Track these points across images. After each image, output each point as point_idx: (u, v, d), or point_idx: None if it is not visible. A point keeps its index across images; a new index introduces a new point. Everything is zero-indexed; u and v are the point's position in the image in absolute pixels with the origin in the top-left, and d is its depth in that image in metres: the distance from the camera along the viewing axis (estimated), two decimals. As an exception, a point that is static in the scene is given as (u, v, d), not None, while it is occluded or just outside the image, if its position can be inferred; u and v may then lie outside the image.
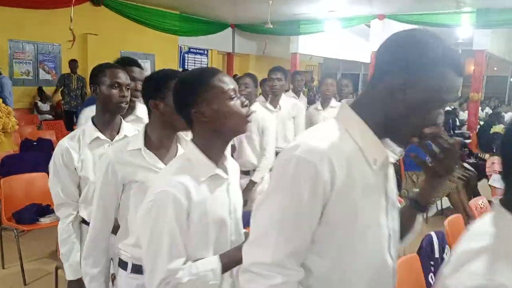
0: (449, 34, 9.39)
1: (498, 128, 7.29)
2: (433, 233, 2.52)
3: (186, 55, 10.72)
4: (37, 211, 3.18)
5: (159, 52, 9.39)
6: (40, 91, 7.77)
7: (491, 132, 7.34)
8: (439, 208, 5.33)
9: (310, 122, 3.94)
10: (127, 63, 2.12)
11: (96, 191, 1.48)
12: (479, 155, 6.54)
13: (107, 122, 1.78)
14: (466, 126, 9.29)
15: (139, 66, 2.19)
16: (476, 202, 3.37)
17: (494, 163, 4.93)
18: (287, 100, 3.76)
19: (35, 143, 4.91)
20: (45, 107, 7.76)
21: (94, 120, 1.79)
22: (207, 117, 1.18)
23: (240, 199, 1.35)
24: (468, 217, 3.93)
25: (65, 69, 7.67)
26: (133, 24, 8.42)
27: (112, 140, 1.77)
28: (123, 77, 1.80)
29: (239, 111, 1.20)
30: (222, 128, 1.20)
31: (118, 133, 1.79)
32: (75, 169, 1.73)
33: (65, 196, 1.74)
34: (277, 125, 3.41)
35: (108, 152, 1.47)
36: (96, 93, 1.79)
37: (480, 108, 10.05)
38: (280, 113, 3.62)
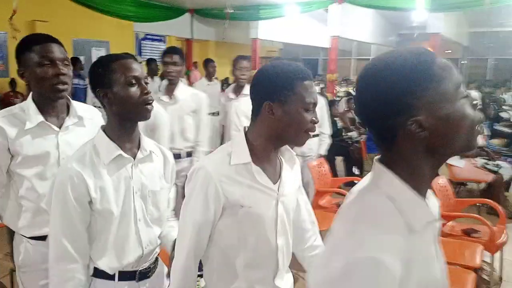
0: (405, 17, 9.59)
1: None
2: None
3: (142, 42, 10.40)
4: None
5: (114, 39, 9.05)
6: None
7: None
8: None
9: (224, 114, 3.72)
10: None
11: (187, 216, 1.22)
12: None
13: (125, 132, 1.39)
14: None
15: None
16: (437, 182, 3.47)
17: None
18: (185, 90, 3.12)
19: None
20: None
21: (107, 131, 1.38)
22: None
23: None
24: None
25: (14, 60, 7.18)
26: (85, 10, 8.00)
27: (134, 158, 1.40)
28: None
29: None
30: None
31: (138, 148, 1.42)
32: (90, 202, 1.32)
33: (75, 250, 1.31)
34: (173, 122, 2.93)
35: (205, 166, 1.20)
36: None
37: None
38: (176, 106, 3.01)
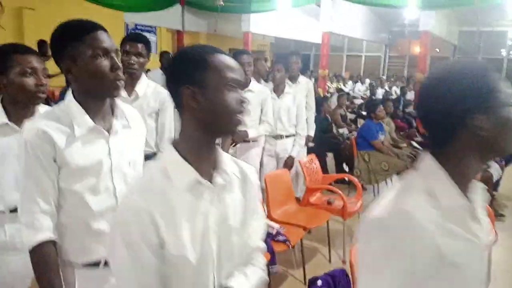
0: (396, 15, 9.61)
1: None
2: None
3: (133, 32, 10.25)
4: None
5: (104, 29, 8.89)
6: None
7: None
8: (390, 185, 5.50)
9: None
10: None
11: None
12: (426, 133, 6.81)
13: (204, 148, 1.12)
14: (413, 105, 9.64)
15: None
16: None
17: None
18: (149, 86, 2.60)
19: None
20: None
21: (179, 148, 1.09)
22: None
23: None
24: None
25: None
26: (74, -1, 7.86)
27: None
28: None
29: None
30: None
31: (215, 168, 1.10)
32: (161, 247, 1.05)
33: None
34: None
35: None
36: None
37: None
38: (137, 105, 2.45)
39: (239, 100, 0.98)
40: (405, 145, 5.76)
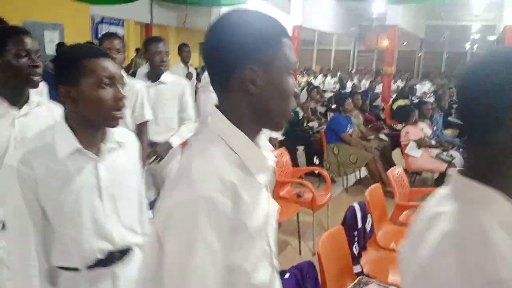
0: (365, 9, 9.74)
1: (401, 102, 7.81)
2: (355, 204, 2.62)
3: (99, 25, 9.99)
4: None
5: (69, 22, 8.60)
6: None
7: (394, 107, 7.82)
8: (358, 177, 5.61)
9: None
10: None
11: None
12: (393, 126, 6.96)
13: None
14: (380, 98, 9.83)
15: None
16: (393, 172, 3.56)
17: (408, 132, 5.26)
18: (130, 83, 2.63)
19: None
20: None
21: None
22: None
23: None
24: (385, 185, 4.16)
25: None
26: (36, -11, 7.59)
27: None
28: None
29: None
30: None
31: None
32: None
33: None
34: None
35: None
36: None
37: (392, 81, 10.67)
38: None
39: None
40: (373, 137, 5.88)
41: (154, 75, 2.92)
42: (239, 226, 0.82)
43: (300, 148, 5.91)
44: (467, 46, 17.34)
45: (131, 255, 1.40)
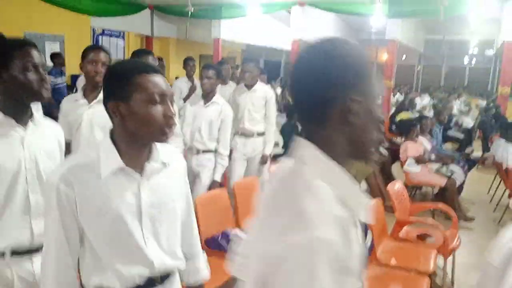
0: (365, 23, 9.81)
1: (404, 115, 7.81)
2: (356, 220, 2.58)
3: (100, 37, 10.05)
4: None
5: (70, 33, 8.67)
6: None
7: (397, 119, 7.84)
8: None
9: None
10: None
11: None
12: (392, 139, 6.94)
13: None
14: (380, 111, 9.83)
15: None
16: (393, 186, 3.53)
17: (407, 148, 5.24)
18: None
19: None
20: None
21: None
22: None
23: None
24: (384, 200, 4.13)
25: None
26: (38, 1, 7.64)
27: None
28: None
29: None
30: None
31: None
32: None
33: None
34: (87, 132, 2.35)
35: None
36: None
37: (392, 94, 10.70)
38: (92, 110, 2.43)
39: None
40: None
41: None
42: (347, 267, 0.78)
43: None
44: (466, 60, 17.44)
45: (173, 280, 1.35)
